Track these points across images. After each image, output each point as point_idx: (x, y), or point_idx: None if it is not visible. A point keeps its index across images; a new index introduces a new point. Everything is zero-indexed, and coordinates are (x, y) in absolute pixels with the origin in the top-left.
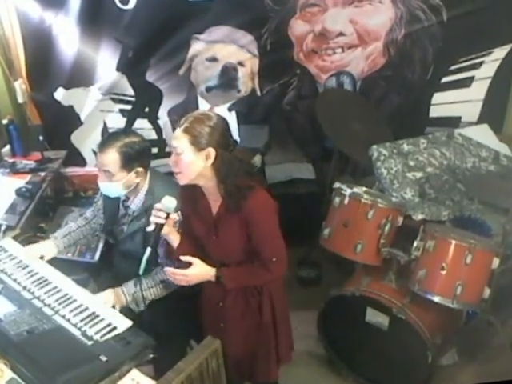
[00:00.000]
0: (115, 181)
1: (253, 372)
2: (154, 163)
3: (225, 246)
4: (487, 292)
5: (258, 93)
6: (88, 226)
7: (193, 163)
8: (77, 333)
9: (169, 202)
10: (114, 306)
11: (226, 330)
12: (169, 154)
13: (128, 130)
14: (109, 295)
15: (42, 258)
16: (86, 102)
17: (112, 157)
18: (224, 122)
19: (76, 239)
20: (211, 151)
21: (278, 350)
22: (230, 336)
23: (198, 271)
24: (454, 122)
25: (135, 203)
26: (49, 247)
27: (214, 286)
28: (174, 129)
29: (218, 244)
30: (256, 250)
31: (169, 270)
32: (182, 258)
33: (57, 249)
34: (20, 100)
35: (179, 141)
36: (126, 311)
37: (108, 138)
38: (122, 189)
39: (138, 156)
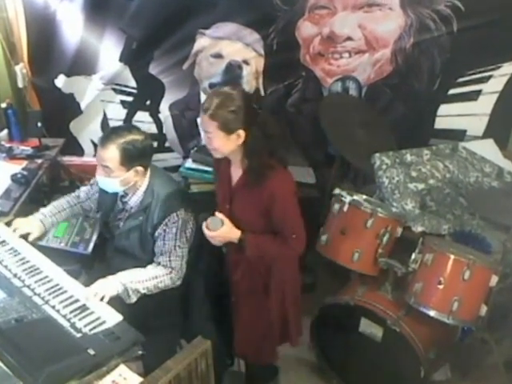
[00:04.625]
0: (113, 177)
1: (257, 354)
2: (153, 158)
3: (236, 216)
4: (484, 309)
5: (262, 93)
6: (79, 206)
7: (224, 144)
8: (66, 324)
9: (213, 223)
10: (103, 298)
11: (237, 305)
12: (168, 149)
13: (131, 126)
14: (102, 284)
15: (27, 235)
16: (87, 90)
17: (112, 153)
18: (247, 96)
19: (64, 218)
20: (241, 133)
21: (286, 332)
22: (239, 311)
23: (226, 230)
24: (458, 134)
25: (133, 200)
26: (36, 227)
27: (230, 257)
28: (174, 124)
29: (230, 213)
30: (276, 228)
31: (204, 229)
32: (217, 213)
33: (44, 228)
34: (20, 84)
35: (208, 126)
36: (116, 306)
37: (110, 132)
38: (120, 186)
39: (139, 155)
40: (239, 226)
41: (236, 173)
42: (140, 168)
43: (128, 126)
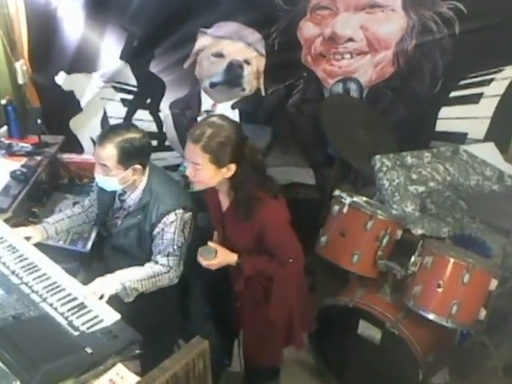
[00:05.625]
0: (111, 176)
1: (262, 358)
2: (153, 156)
3: (229, 240)
4: (483, 313)
5: (263, 93)
6: (84, 215)
7: (212, 177)
8: (63, 322)
9: (206, 252)
10: (101, 296)
11: (241, 311)
12: (168, 148)
13: (130, 124)
14: (101, 283)
15: (28, 239)
16: (87, 88)
17: (110, 152)
18: (238, 128)
19: (69, 226)
20: (232, 167)
21: (293, 333)
22: (244, 316)
23: (222, 258)
24: (459, 137)
25: (132, 198)
26: (37, 231)
27: (234, 268)
28: (175, 122)
29: (224, 237)
30: (271, 253)
31: (199, 258)
32: (209, 243)
33: (46, 234)
34: (20, 81)
35: (199, 158)
36: (114, 305)
37: (108, 131)
38: (118, 184)
39: (137, 153)
40: (234, 249)
41: (224, 200)
42: (138, 166)
43: (126, 124)
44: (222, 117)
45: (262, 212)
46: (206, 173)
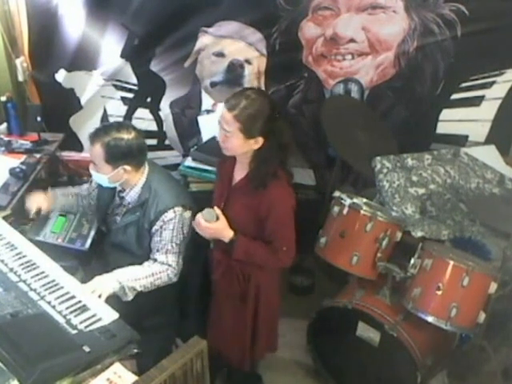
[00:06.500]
0: (101, 173)
1: (228, 356)
2: (152, 155)
3: (229, 215)
4: (482, 316)
5: None
6: (81, 198)
7: (239, 146)
8: (61, 320)
9: (208, 214)
10: (99, 295)
11: (214, 304)
12: (168, 147)
13: (122, 124)
14: (99, 282)
15: (39, 210)
16: (88, 86)
17: (97, 150)
18: (274, 105)
19: (72, 204)
20: (260, 140)
21: (255, 344)
22: (215, 310)
23: (220, 226)
24: (460, 140)
25: (131, 195)
26: (47, 198)
27: (214, 254)
28: (175, 122)
29: (224, 212)
30: (268, 237)
31: (197, 219)
32: (216, 207)
33: (54, 200)
34: (20, 78)
35: (230, 126)
36: (112, 304)
37: (99, 129)
38: (108, 182)
39: (123, 155)
40: (230, 226)
41: (239, 173)
42: (127, 167)
43: (118, 123)
44: (260, 91)
45: (274, 190)
46: (235, 141)
